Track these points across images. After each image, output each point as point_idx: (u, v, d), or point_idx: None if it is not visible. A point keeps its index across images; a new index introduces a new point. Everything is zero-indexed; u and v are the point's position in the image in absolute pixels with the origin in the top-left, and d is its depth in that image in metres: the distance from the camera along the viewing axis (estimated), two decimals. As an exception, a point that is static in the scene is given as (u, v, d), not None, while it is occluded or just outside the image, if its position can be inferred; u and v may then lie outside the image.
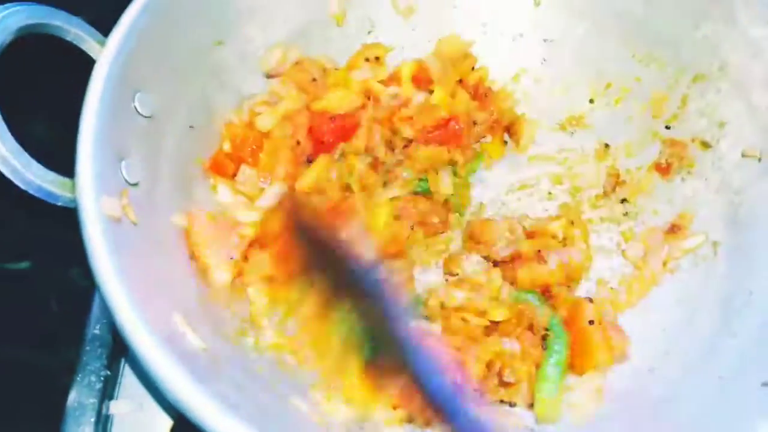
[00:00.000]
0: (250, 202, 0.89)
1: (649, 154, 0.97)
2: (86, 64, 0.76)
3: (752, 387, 0.68)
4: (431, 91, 0.98)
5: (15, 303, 0.95)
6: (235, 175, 0.92)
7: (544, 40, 1.06)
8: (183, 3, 0.85)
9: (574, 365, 0.81)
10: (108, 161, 0.72)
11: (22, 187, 0.68)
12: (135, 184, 0.76)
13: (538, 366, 0.81)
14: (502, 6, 1.06)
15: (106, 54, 0.76)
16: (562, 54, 1.05)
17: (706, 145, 0.92)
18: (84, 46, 0.78)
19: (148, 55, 0.80)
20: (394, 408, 0.76)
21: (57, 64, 0.81)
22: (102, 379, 0.80)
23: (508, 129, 1.03)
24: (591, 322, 0.80)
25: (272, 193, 0.89)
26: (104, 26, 0.78)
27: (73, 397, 0.79)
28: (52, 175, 0.70)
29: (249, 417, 0.60)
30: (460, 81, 0.99)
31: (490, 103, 1.00)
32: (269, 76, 1.00)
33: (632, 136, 1.00)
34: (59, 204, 0.70)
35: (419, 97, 0.97)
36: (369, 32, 1.06)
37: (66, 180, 0.71)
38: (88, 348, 0.82)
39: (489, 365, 0.79)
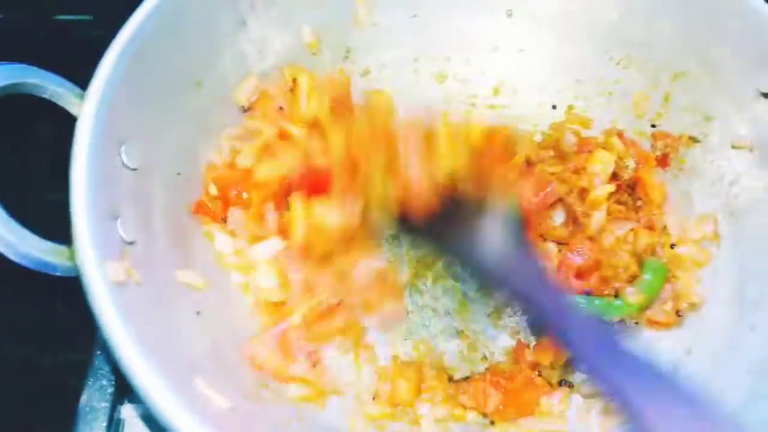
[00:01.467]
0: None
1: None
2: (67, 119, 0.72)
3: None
4: None
5: (23, 303, 0.92)
6: (224, 218, 0.88)
7: (520, 51, 1.05)
8: (159, 46, 0.80)
9: None
10: (104, 222, 0.68)
11: (18, 261, 0.64)
12: (132, 243, 0.71)
13: None
14: (475, 20, 1.05)
15: (87, 109, 0.71)
16: (539, 63, 1.05)
17: (694, 140, 0.94)
18: (62, 102, 0.73)
19: (129, 105, 0.76)
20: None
21: (36, 122, 0.76)
22: (113, 383, 0.79)
23: None
24: None
25: (269, 247, 0.86)
26: (82, 78, 0.74)
27: (84, 400, 0.78)
28: (47, 245, 0.65)
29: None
30: None
31: None
32: (245, 110, 0.97)
33: (618, 137, 1.00)
34: (57, 274, 0.66)
35: None
36: (345, 58, 1.04)
37: (62, 248, 0.66)
38: (98, 352, 0.80)
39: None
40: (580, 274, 0.87)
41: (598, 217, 0.90)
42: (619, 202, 0.90)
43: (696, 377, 0.79)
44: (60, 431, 0.78)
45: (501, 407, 0.80)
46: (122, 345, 0.60)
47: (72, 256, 0.64)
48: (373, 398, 0.82)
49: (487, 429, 0.80)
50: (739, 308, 0.81)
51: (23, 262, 0.64)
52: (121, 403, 0.81)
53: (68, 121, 0.71)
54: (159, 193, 0.80)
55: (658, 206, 0.90)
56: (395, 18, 1.03)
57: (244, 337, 0.81)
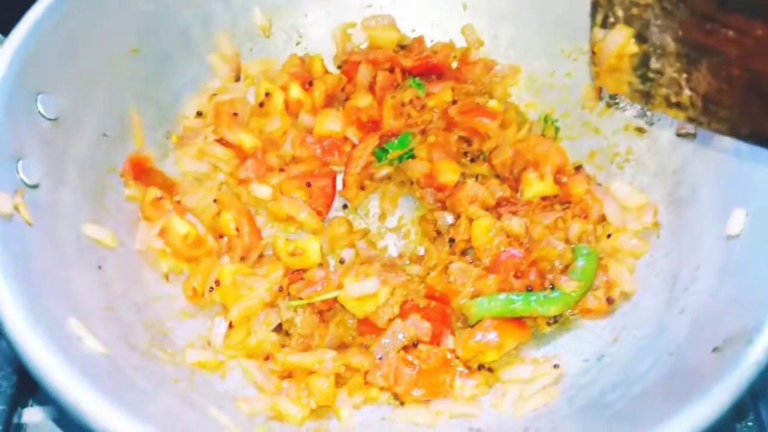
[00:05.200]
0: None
1: (586, 146, 0.95)
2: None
3: (702, 356, 0.63)
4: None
5: None
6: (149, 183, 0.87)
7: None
8: (93, 7, 0.81)
9: None
10: (1, 159, 0.67)
11: None
12: (34, 186, 0.71)
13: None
14: (431, 12, 1.05)
15: (4, 54, 0.72)
16: (494, 56, 1.03)
17: (641, 131, 0.91)
18: (-20, 46, 0.74)
19: (52, 58, 0.77)
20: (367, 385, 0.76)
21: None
22: (13, 384, 0.73)
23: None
24: None
25: None
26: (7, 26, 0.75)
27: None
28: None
29: (158, 425, 0.54)
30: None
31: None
32: (197, 115, 0.97)
33: (568, 130, 0.97)
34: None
35: None
36: (297, 43, 1.04)
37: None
38: (-3, 351, 0.75)
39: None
40: (519, 274, 0.83)
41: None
42: (543, 198, 0.88)
43: (619, 363, 0.74)
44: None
45: (412, 387, 0.75)
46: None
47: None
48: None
49: (396, 409, 0.76)
50: (670, 294, 0.77)
51: None
52: (23, 406, 0.76)
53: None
54: (78, 148, 0.80)
55: (581, 198, 0.87)
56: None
57: (149, 299, 0.79)
